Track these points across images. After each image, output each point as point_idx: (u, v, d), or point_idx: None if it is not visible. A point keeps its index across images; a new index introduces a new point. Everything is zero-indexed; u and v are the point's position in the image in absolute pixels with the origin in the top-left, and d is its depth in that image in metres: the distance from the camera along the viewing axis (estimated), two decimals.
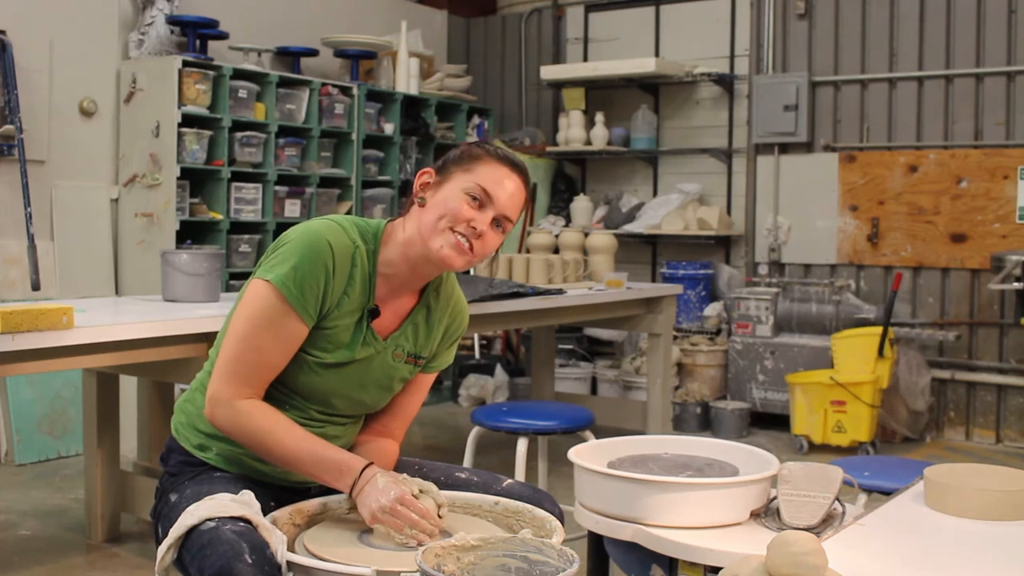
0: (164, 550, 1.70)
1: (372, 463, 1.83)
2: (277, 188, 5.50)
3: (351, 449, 2.00)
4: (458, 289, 2.08)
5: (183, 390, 2.12)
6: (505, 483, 2.05)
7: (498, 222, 1.88)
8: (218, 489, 1.80)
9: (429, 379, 2.09)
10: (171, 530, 1.70)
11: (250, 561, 1.60)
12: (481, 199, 1.86)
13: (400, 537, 1.74)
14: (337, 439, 1.94)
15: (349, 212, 5.87)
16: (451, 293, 2.05)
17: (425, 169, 1.93)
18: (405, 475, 1.85)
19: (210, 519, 1.67)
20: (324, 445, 1.84)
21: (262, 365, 1.82)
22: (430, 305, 2.00)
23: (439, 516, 1.79)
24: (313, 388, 1.89)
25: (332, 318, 1.86)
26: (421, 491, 1.80)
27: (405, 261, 1.90)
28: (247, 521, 1.68)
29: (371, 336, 1.91)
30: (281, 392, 1.89)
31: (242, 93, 5.32)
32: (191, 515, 1.69)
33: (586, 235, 5.35)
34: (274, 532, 1.68)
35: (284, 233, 1.89)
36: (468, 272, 5.09)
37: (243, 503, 1.72)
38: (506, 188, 1.88)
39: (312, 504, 1.88)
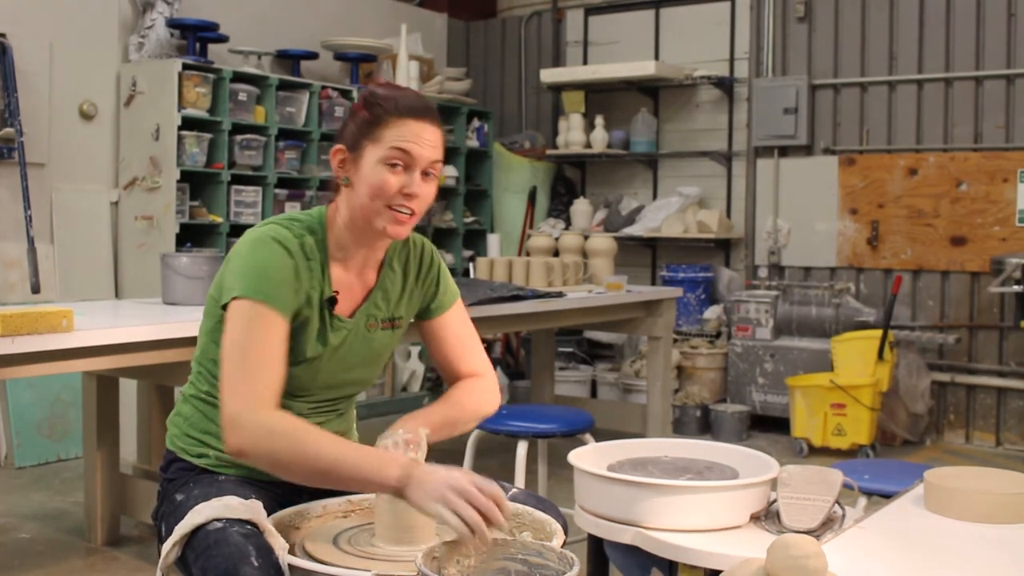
0: (168, 547, 1.69)
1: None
2: (277, 191, 5.50)
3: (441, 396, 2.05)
4: (427, 246, 2.05)
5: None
6: (510, 492, 2.02)
7: (427, 171, 1.84)
8: (227, 491, 1.79)
9: (452, 318, 2.05)
10: (176, 527, 1.70)
11: (256, 564, 1.59)
12: (402, 161, 1.81)
13: (456, 522, 1.54)
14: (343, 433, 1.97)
15: None
16: (419, 255, 2.02)
17: (336, 147, 1.87)
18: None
19: (217, 519, 1.67)
20: (359, 445, 1.81)
21: (270, 380, 1.75)
22: (395, 269, 1.98)
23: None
24: (298, 384, 1.88)
25: (299, 316, 1.83)
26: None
27: (356, 242, 1.89)
28: (254, 525, 1.68)
29: (337, 321, 1.89)
30: None
31: (242, 96, 5.32)
32: (198, 514, 1.69)
33: (586, 238, 5.35)
34: (277, 538, 1.68)
35: (233, 248, 1.84)
36: (467, 275, 5.09)
37: (250, 508, 1.71)
38: (421, 138, 1.81)
39: (313, 506, 1.88)
